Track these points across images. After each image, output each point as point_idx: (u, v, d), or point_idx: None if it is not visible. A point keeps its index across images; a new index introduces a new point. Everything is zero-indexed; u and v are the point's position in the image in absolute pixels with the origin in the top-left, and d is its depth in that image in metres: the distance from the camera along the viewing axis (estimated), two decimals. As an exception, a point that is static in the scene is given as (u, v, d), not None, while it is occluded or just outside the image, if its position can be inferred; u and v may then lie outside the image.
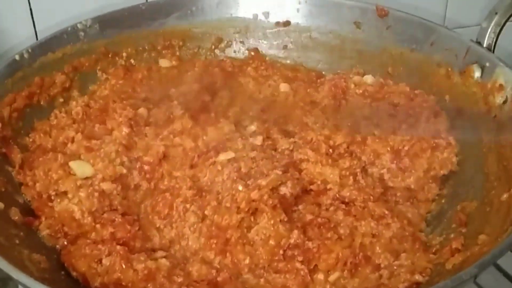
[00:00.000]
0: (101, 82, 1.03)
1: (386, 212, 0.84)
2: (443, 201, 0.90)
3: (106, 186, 0.84)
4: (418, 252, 0.81)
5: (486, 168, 0.88)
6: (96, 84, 1.03)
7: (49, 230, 0.81)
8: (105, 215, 0.82)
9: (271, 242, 0.79)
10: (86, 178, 0.85)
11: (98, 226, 0.81)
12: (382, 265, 0.80)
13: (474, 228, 0.81)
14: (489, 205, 0.83)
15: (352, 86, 1.02)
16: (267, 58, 1.11)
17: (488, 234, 0.76)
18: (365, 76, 1.04)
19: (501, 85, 0.90)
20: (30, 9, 1.08)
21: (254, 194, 0.81)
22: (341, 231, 0.83)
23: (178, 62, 1.08)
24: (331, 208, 0.86)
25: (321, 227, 0.82)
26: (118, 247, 0.77)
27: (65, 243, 0.81)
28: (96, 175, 0.85)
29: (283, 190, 0.83)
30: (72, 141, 0.90)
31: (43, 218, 0.82)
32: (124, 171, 0.87)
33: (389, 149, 0.91)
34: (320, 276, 0.79)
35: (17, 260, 0.72)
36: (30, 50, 0.95)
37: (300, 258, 0.79)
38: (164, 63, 1.08)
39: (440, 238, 0.83)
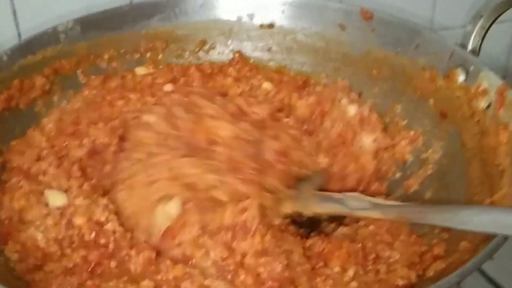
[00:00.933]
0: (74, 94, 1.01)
1: None
2: (426, 206, 0.90)
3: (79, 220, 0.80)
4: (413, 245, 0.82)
5: (469, 173, 0.87)
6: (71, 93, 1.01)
7: (17, 255, 0.77)
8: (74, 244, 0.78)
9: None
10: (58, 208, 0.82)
11: (68, 250, 0.77)
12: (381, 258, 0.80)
13: (456, 234, 0.80)
14: (471, 211, 0.82)
15: (335, 111, 1.01)
16: (251, 61, 1.10)
17: (470, 241, 0.76)
18: (349, 106, 1.01)
19: (485, 90, 0.89)
20: (14, 9, 1.06)
21: None
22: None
23: (155, 70, 1.07)
24: None
25: None
26: (89, 282, 0.73)
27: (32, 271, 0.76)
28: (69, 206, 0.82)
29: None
30: (45, 173, 0.87)
31: (10, 243, 0.78)
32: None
33: None
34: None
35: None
36: (9, 53, 0.93)
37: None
38: (140, 71, 1.06)
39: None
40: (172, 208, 0.80)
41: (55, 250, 0.77)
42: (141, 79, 1.04)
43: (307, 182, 0.91)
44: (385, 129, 1.01)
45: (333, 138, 0.97)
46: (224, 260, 0.76)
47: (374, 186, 0.95)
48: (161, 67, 1.07)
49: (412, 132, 0.99)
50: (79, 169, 0.88)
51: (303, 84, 1.07)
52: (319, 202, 0.87)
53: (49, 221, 0.79)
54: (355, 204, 0.84)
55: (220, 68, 1.08)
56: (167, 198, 0.81)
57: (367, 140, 0.98)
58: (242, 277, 0.74)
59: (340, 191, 0.88)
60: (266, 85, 1.06)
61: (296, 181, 0.90)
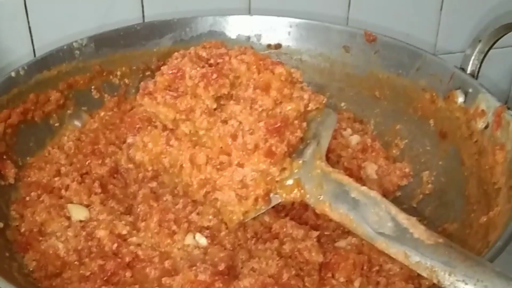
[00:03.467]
0: (90, 115, 1.05)
1: None
2: (425, 222, 0.92)
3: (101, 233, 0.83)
4: None
5: (467, 191, 0.90)
6: (88, 114, 1.04)
7: (36, 263, 0.80)
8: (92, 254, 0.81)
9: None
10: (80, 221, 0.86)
11: (86, 260, 0.80)
12: (383, 271, 0.82)
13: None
14: (468, 227, 0.85)
15: (339, 144, 1.03)
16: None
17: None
18: (351, 136, 1.05)
19: (483, 111, 0.92)
20: (29, 27, 1.10)
21: None
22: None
23: None
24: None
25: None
26: None
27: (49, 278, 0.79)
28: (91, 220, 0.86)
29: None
30: (67, 188, 0.90)
31: (30, 252, 0.82)
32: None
33: None
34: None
35: (6, 272, 0.74)
36: (26, 67, 0.96)
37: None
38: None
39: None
40: None
41: (74, 260, 0.81)
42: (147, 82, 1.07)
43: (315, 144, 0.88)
44: (387, 157, 1.04)
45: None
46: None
47: None
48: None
49: (406, 169, 1.02)
50: (100, 186, 0.91)
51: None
52: (332, 198, 0.83)
53: (70, 233, 0.83)
54: (372, 219, 0.78)
55: None
56: None
57: (371, 170, 1.00)
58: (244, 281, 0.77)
59: None
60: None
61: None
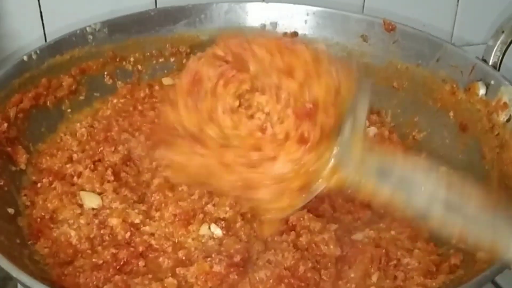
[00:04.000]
0: (103, 101, 1.03)
1: None
2: (443, 217, 0.91)
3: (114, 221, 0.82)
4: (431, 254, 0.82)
5: (487, 186, 0.88)
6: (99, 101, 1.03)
7: (48, 250, 0.79)
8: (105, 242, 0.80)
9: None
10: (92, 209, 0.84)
11: (99, 248, 0.79)
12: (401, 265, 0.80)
13: (473, 244, 0.81)
14: (489, 223, 0.83)
15: None
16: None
17: (487, 252, 0.76)
18: (368, 128, 1.02)
19: (505, 103, 0.90)
20: (40, 11, 1.09)
21: None
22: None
23: None
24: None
25: None
26: (117, 277, 0.75)
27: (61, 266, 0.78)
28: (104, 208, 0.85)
29: None
30: (79, 175, 0.89)
31: (41, 239, 0.80)
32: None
33: None
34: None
35: (17, 259, 0.72)
36: (38, 52, 0.95)
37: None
38: (167, 81, 1.08)
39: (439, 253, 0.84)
40: None
41: (86, 248, 0.79)
42: (168, 90, 1.06)
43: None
44: (405, 150, 1.01)
45: None
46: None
47: None
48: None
49: None
50: (112, 174, 0.89)
51: None
52: (377, 177, 0.74)
53: (82, 221, 0.82)
54: (422, 196, 0.71)
55: None
56: None
57: None
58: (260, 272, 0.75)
59: None
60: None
61: None
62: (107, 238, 0.81)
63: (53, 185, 0.87)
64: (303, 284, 0.75)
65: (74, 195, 0.86)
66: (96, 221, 0.82)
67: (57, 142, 0.95)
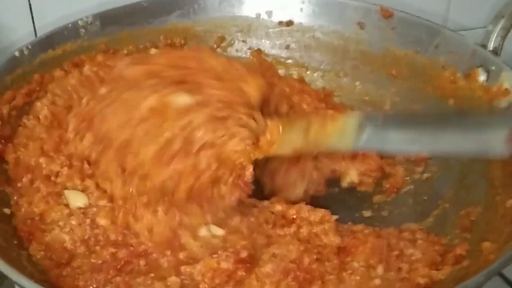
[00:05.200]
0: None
1: None
2: (446, 205, 0.90)
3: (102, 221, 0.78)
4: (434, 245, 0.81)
5: (490, 173, 0.87)
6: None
7: (43, 253, 0.75)
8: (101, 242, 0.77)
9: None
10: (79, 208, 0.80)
11: (97, 248, 0.76)
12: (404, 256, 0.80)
13: (478, 234, 0.80)
14: (493, 211, 0.82)
15: None
16: (269, 58, 1.10)
17: (492, 241, 0.76)
18: None
19: (506, 90, 0.89)
20: (30, 5, 1.06)
21: None
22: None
23: None
24: None
25: None
26: (118, 278, 0.72)
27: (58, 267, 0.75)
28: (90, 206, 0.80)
29: None
30: (57, 174, 0.83)
31: (34, 243, 0.77)
32: None
33: None
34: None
35: (15, 261, 0.71)
36: (30, 47, 0.93)
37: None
38: (154, 51, 1.04)
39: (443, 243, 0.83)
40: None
41: (83, 251, 0.76)
42: None
43: None
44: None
45: None
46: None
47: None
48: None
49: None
50: (90, 167, 0.83)
51: (325, 98, 1.05)
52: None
53: (73, 222, 0.77)
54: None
55: None
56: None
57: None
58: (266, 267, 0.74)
59: None
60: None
61: None
62: (101, 238, 0.77)
63: (35, 185, 0.82)
64: (309, 276, 0.74)
65: (60, 195, 0.81)
66: (88, 221, 0.78)
67: (25, 130, 0.89)
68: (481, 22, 1.21)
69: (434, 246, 0.82)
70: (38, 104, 0.92)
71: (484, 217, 0.83)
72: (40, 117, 0.90)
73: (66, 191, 0.81)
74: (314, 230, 0.81)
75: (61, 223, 0.78)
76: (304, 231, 0.81)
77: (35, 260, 0.75)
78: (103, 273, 0.73)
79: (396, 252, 0.80)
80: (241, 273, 0.73)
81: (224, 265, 0.73)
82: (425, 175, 0.96)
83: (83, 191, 0.82)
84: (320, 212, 0.83)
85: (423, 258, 0.79)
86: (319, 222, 0.82)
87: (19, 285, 0.66)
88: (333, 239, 0.80)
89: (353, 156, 0.96)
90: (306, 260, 0.76)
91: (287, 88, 1.03)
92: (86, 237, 0.77)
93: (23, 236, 0.77)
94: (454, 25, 1.27)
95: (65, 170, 0.83)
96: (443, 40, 0.99)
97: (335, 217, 0.83)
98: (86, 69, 0.96)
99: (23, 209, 0.80)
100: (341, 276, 0.76)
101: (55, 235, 0.77)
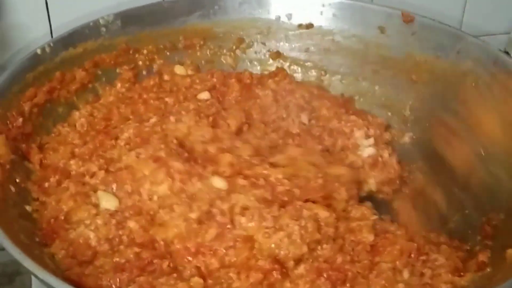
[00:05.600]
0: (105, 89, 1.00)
1: None
2: (466, 211, 0.89)
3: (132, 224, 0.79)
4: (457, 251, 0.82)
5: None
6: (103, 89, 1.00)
7: (65, 252, 0.76)
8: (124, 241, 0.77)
9: None
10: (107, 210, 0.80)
11: (121, 247, 0.76)
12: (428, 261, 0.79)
13: (500, 241, 0.80)
14: (516, 219, 0.82)
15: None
16: (288, 61, 1.10)
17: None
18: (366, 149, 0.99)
19: (529, 96, 0.89)
20: (47, 5, 1.06)
21: None
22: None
23: (194, 72, 1.06)
24: None
25: None
26: (141, 278, 0.72)
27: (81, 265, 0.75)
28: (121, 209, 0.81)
29: None
30: (93, 175, 0.85)
31: (57, 241, 0.77)
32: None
33: None
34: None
35: (39, 259, 0.70)
36: (51, 44, 0.93)
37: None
38: (178, 70, 1.05)
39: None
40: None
41: (106, 249, 0.76)
42: (178, 81, 1.03)
43: None
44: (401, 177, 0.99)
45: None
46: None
47: None
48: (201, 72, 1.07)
49: None
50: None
51: (344, 104, 1.05)
52: None
53: (99, 221, 0.78)
54: None
55: (259, 79, 1.06)
56: None
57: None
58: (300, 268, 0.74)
59: None
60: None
61: None
62: (125, 238, 0.77)
63: (63, 185, 0.83)
64: (341, 275, 0.74)
65: (88, 195, 0.82)
66: (114, 221, 0.78)
67: (57, 136, 0.91)
68: (498, 27, 1.20)
69: (457, 252, 0.81)
70: (77, 113, 0.95)
71: (506, 224, 0.82)
72: (77, 125, 0.93)
73: (99, 192, 0.82)
74: (351, 226, 0.81)
75: (87, 221, 0.78)
76: (340, 226, 0.81)
77: (56, 259, 0.75)
78: (126, 273, 0.72)
79: (423, 257, 0.80)
80: (277, 276, 0.73)
81: (260, 263, 0.73)
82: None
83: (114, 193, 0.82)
84: (362, 209, 0.84)
85: (446, 263, 0.79)
86: (358, 219, 0.83)
87: (45, 283, 0.65)
88: (367, 236, 0.80)
89: (373, 164, 0.96)
90: (339, 260, 0.76)
91: (306, 93, 1.04)
92: (110, 236, 0.77)
93: (45, 234, 0.77)
94: (469, 29, 1.27)
95: (101, 173, 0.84)
96: (465, 46, 0.98)
97: (375, 216, 0.83)
98: (119, 87, 1.00)
99: (49, 207, 0.80)
100: (368, 278, 0.75)
101: (80, 231, 0.77)
